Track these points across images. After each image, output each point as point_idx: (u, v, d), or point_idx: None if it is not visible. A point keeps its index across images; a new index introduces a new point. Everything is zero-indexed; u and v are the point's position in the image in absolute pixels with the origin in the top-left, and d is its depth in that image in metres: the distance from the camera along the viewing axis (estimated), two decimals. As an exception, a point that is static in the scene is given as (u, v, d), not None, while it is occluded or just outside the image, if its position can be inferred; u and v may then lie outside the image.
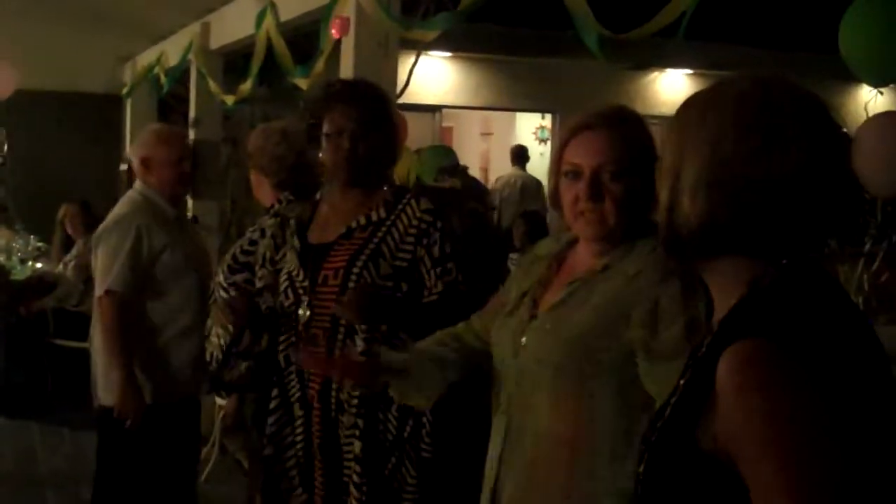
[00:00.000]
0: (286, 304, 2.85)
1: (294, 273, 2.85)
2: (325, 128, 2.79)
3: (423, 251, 2.74)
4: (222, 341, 3.13)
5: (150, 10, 7.69)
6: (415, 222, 2.77)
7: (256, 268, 3.15)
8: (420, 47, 5.63)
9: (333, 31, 5.26)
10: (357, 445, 2.70)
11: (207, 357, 3.36)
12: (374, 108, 2.83)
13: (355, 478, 2.69)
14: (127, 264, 3.81)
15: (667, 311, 1.94)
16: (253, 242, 3.29)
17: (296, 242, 2.90)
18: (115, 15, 7.83)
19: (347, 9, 5.25)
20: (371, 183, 2.83)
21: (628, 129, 2.09)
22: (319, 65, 5.34)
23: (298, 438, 2.82)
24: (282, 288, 2.89)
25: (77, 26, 8.22)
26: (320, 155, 2.83)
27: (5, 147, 10.10)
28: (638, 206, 2.03)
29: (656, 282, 1.98)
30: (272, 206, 3.44)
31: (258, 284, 3.10)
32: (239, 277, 3.25)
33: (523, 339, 2.13)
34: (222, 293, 3.23)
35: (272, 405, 2.88)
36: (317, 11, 5.62)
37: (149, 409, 3.76)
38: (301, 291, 2.80)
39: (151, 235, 3.85)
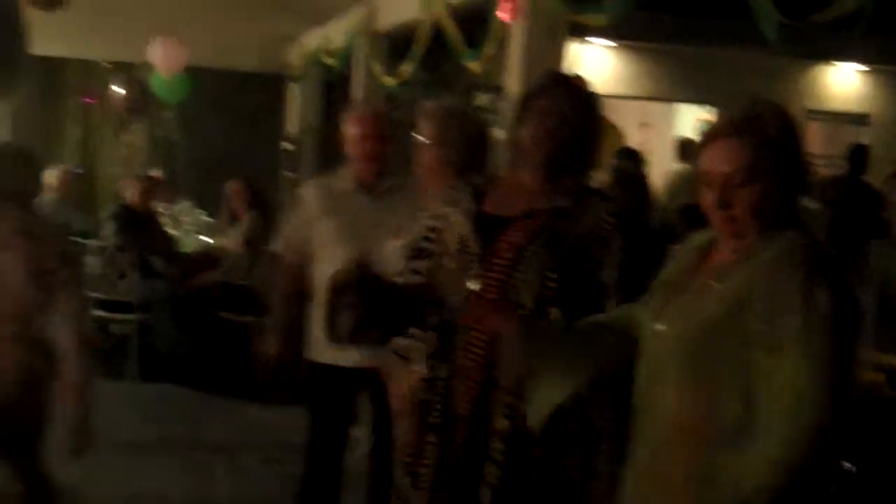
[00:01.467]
0: (453, 267, 2.84)
1: (465, 239, 2.83)
2: (535, 104, 2.78)
3: (600, 254, 2.70)
4: None
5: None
6: (600, 223, 2.73)
7: (445, 258, 3.14)
8: (584, 35, 5.56)
9: (503, 15, 5.27)
10: (505, 423, 2.68)
11: None
12: (587, 98, 2.82)
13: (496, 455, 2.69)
14: (287, 230, 4.16)
15: (786, 302, 2.03)
16: (433, 230, 3.28)
17: (470, 206, 2.87)
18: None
19: (517, -9, 5.24)
20: (563, 170, 2.81)
21: (760, 133, 2.14)
22: (490, 48, 5.34)
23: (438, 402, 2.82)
24: (451, 251, 2.86)
25: (244, 6, 8.44)
26: (520, 132, 2.82)
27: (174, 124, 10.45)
28: (774, 202, 2.14)
29: (782, 273, 2.07)
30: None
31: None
32: (420, 265, 3.25)
33: (657, 326, 2.26)
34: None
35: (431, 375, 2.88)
36: (486, -6, 5.63)
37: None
38: (473, 259, 2.77)
39: (312, 203, 4.02)
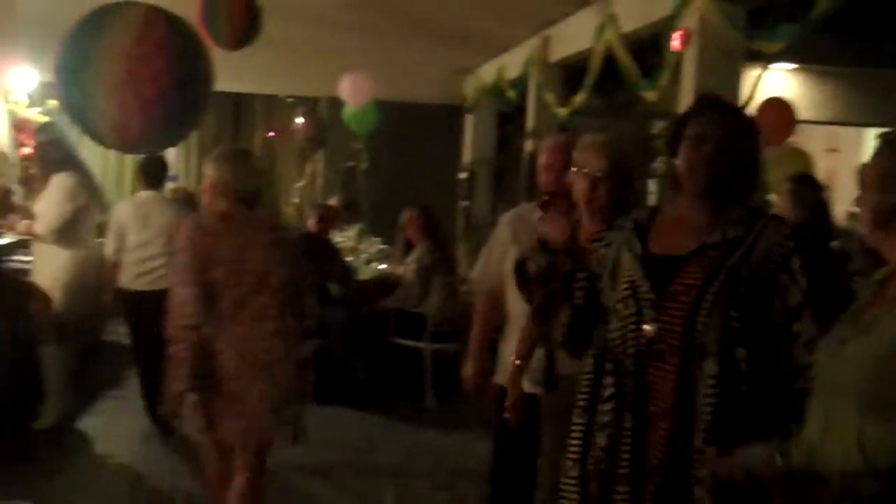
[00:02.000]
0: (624, 312, 2.80)
1: (637, 283, 2.77)
2: (688, 131, 2.70)
3: (781, 280, 2.60)
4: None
5: (491, 24, 7.94)
6: (775, 248, 2.62)
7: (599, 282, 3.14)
8: (766, 60, 5.44)
9: (676, 43, 5.22)
10: (705, 471, 2.57)
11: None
12: (742, 119, 2.75)
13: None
14: (484, 258, 4.31)
15: None
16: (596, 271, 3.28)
17: (637, 247, 2.79)
18: (458, 30, 8.16)
19: (690, 20, 5.18)
20: (726, 197, 2.73)
21: None
22: (664, 77, 5.28)
23: (626, 451, 2.75)
24: (620, 296, 2.79)
25: (423, 41, 8.63)
26: (675, 162, 2.75)
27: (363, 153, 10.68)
28: None
29: None
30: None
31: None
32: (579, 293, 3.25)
33: (832, 357, 2.17)
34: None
35: (605, 411, 2.81)
36: (658, 23, 5.59)
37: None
38: (646, 304, 2.69)
39: (505, 231, 4.11)
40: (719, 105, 2.76)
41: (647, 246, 2.78)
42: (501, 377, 4.07)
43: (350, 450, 6.33)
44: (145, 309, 6.17)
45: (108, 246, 6.44)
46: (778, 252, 2.61)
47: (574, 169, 3.47)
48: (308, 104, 11.17)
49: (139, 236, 6.37)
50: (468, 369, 4.26)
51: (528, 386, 3.80)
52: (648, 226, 2.83)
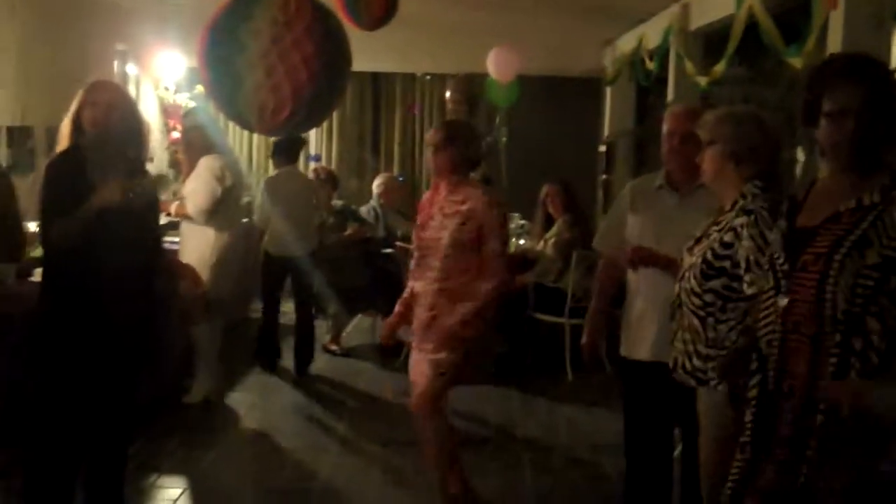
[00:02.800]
0: (766, 287, 2.73)
1: (776, 256, 2.71)
2: (826, 106, 2.61)
3: None
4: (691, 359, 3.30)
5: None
6: None
7: (740, 272, 3.09)
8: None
9: (825, 4, 5.01)
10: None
11: (671, 363, 3.41)
12: (881, 87, 2.60)
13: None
14: (604, 227, 4.37)
15: None
16: (726, 245, 3.20)
17: (783, 224, 2.76)
18: (598, 1, 8.03)
19: (837, -19, 4.97)
20: (869, 166, 2.62)
21: None
22: (811, 42, 5.09)
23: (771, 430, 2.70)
24: (763, 270, 2.79)
25: (562, 13, 8.52)
26: (816, 133, 2.67)
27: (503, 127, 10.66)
28: None
29: None
30: (735, 202, 3.28)
31: (747, 291, 3.04)
32: (716, 283, 3.20)
33: None
34: (693, 300, 3.25)
35: (750, 394, 2.78)
36: (803, -14, 5.38)
37: None
38: (780, 275, 2.66)
39: (626, 200, 4.10)
40: (855, 69, 2.64)
41: (796, 220, 2.74)
42: (625, 348, 4.04)
43: (490, 424, 6.37)
44: (279, 271, 7.45)
45: (256, 215, 7.47)
46: None
47: (703, 144, 3.40)
48: (441, 82, 11.21)
49: (280, 208, 7.27)
50: (584, 339, 4.26)
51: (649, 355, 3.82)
52: (804, 200, 2.78)
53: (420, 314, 4.53)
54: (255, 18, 3.86)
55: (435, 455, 4.63)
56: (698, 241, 3.32)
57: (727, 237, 3.20)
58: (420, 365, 4.53)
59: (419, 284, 4.57)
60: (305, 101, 3.92)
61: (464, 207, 4.40)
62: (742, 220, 3.16)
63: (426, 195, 4.74)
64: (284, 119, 3.95)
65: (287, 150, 7.58)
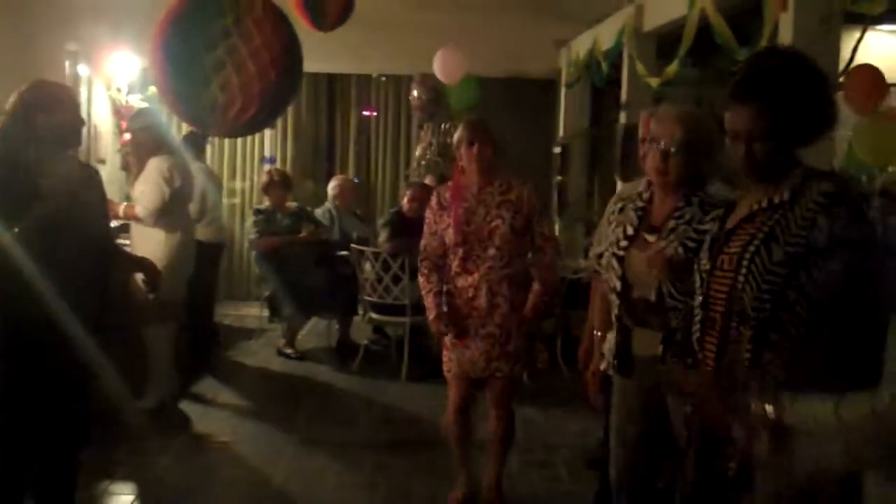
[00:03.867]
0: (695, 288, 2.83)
1: (700, 256, 2.83)
2: (727, 123, 2.67)
3: (818, 239, 2.52)
4: None
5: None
6: (811, 205, 2.56)
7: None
8: (867, 22, 5.24)
9: (775, 7, 5.06)
10: None
11: None
12: (778, 99, 2.60)
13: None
14: (596, 239, 4.32)
15: None
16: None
17: (714, 226, 2.87)
18: (552, 2, 8.05)
19: (788, -17, 5.02)
20: (778, 173, 2.66)
21: None
22: (763, 43, 5.13)
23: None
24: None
25: (517, 13, 8.54)
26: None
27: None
28: None
29: None
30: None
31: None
32: None
33: None
34: None
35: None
36: (755, -13, 5.43)
37: None
38: (704, 276, 2.77)
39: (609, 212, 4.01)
40: (745, 90, 2.64)
41: (727, 219, 2.81)
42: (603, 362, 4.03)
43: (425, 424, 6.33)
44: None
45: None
46: (813, 209, 2.55)
47: (647, 142, 3.44)
48: (397, 84, 11.17)
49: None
50: (581, 349, 4.27)
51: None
52: (738, 202, 2.84)
53: (476, 304, 4.70)
54: (218, 17, 3.84)
55: (500, 449, 4.88)
56: None
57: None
58: (480, 356, 4.71)
59: (469, 277, 4.72)
60: (270, 101, 3.90)
61: (512, 196, 4.72)
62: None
63: (444, 193, 4.90)
64: (248, 119, 3.93)
65: (196, 144, 7.83)
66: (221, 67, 3.89)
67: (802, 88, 2.61)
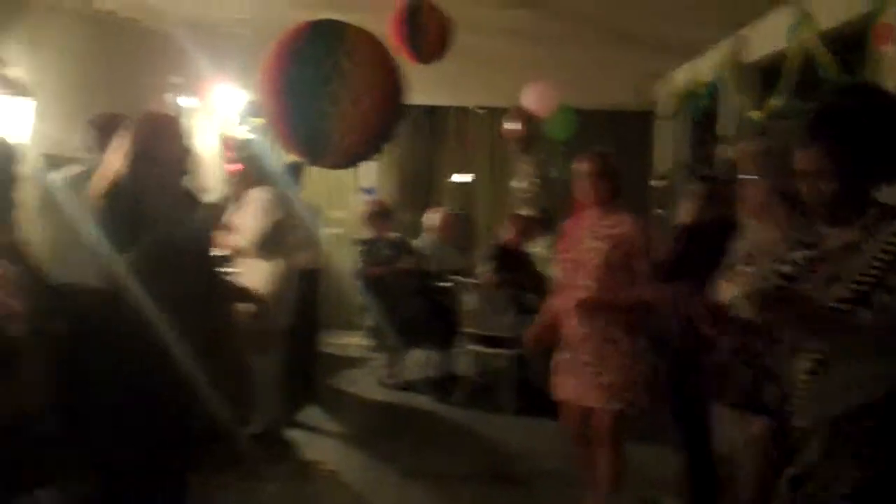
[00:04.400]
0: None
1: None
2: (796, 161, 2.71)
3: (890, 281, 2.53)
4: None
5: (681, 27, 7.80)
6: (885, 245, 2.57)
7: None
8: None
9: (879, 40, 5.02)
10: None
11: None
12: (845, 138, 2.63)
13: None
14: None
15: None
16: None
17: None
18: (647, 34, 8.04)
19: (892, 16, 4.99)
20: (851, 209, 2.67)
21: None
22: (867, 75, 5.10)
23: None
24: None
25: (614, 46, 8.54)
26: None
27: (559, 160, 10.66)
28: None
29: None
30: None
31: None
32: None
33: None
34: None
35: None
36: (858, 20, 5.39)
37: None
38: None
39: None
40: (812, 130, 2.69)
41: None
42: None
43: (550, 459, 6.31)
44: None
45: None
46: (885, 252, 2.59)
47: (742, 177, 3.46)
48: (498, 115, 11.26)
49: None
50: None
51: None
52: None
53: (572, 331, 4.80)
54: (332, 51, 3.95)
55: (601, 489, 4.88)
56: None
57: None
58: (584, 384, 4.76)
59: (567, 303, 4.80)
60: (380, 133, 4.02)
61: (615, 231, 4.76)
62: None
63: (569, 221, 5.10)
64: (359, 150, 4.05)
65: (297, 174, 7.77)
66: (337, 100, 4.00)
67: (877, 127, 2.60)
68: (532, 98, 9.30)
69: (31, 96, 5.70)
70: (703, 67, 8.61)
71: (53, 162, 6.18)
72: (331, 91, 3.89)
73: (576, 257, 4.81)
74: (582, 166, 4.90)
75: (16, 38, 6.05)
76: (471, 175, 11.49)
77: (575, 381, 4.78)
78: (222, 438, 5.90)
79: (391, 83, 4.05)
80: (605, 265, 4.70)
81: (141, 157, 4.00)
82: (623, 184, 4.95)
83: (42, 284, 4.00)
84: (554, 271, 5.05)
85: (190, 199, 4.28)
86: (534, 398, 7.07)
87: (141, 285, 3.86)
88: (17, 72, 5.70)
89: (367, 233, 8.74)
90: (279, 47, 4.11)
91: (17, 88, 5.48)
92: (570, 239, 4.92)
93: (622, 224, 4.79)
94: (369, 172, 11.40)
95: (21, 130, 5.54)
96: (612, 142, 11.28)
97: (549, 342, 4.90)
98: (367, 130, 4.00)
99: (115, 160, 4.06)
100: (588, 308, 4.61)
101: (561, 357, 4.86)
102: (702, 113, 8.68)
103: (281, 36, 4.11)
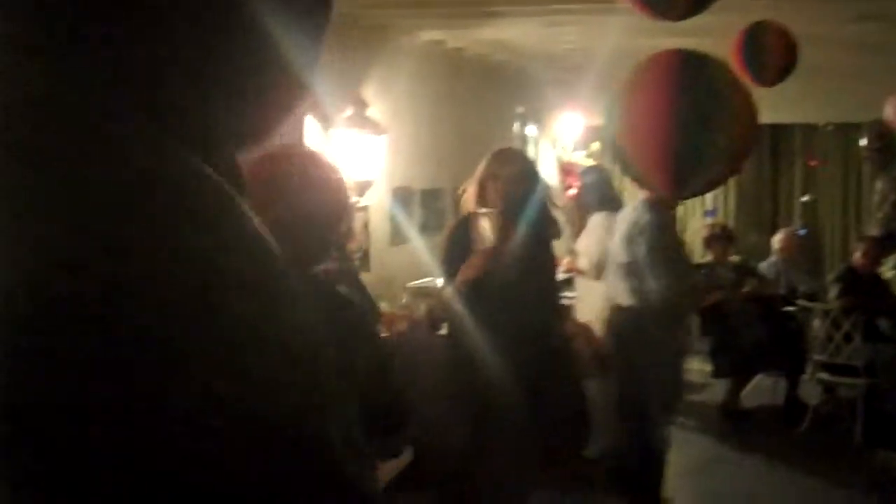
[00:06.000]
0: None
1: None
2: None
3: None
4: None
5: None
6: None
7: None
8: None
9: None
10: None
11: None
12: None
13: None
14: None
15: None
16: None
17: None
18: None
19: None
20: None
21: None
22: None
23: None
24: None
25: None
26: None
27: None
28: None
29: None
30: None
31: None
32: None
33: None
34: None
35: None
36: None
37: None
38: None
39: None
40: None
41: None
42: None
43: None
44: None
45: None
46: None
47: None
48: (846, 132, 10.70)
49: None
50: None
51: None
52: None
53: None
54: (709, 81, 4.03)
55: None
56: None
57: None
58: None
59: None
60: (741, 159, 4.06)
61: None
62: None
63: None
64: (722, 179, 4.09)
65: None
66: (714, 129, 4.04)
67: None
68: (893, 111, 8.76)
69: (385, 133, 6.04)
70: None
71: (402, 194, 6.56)
72: (707, 119, 3.94)
73: None
74: None
75: (375, 79, 6.45)
76: (810, 194, 10.97)
77: None
78: (562, 461, 5.99)
79: (750, 108, 4.07)
80: None
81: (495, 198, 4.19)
82: None
83: (377, 311, 4.29)
84: None
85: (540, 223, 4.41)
86: (886, 430, 6.66)
87: (480, 312, 4.02)
88: (375, 111, 6.07)
89: (708, 256, 8.58)
90: (650, 77, 4.17)
91: (376, 129, 5.82)
92: None
93: None
94: (712, 194, 11.18)
95: (374, 167, 5.87)
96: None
97: None
98: (734, 157, 4.05)
99: (469, 196, 4.28)
100: None
101: None
102: None
103: (645, 66, 4.18)
